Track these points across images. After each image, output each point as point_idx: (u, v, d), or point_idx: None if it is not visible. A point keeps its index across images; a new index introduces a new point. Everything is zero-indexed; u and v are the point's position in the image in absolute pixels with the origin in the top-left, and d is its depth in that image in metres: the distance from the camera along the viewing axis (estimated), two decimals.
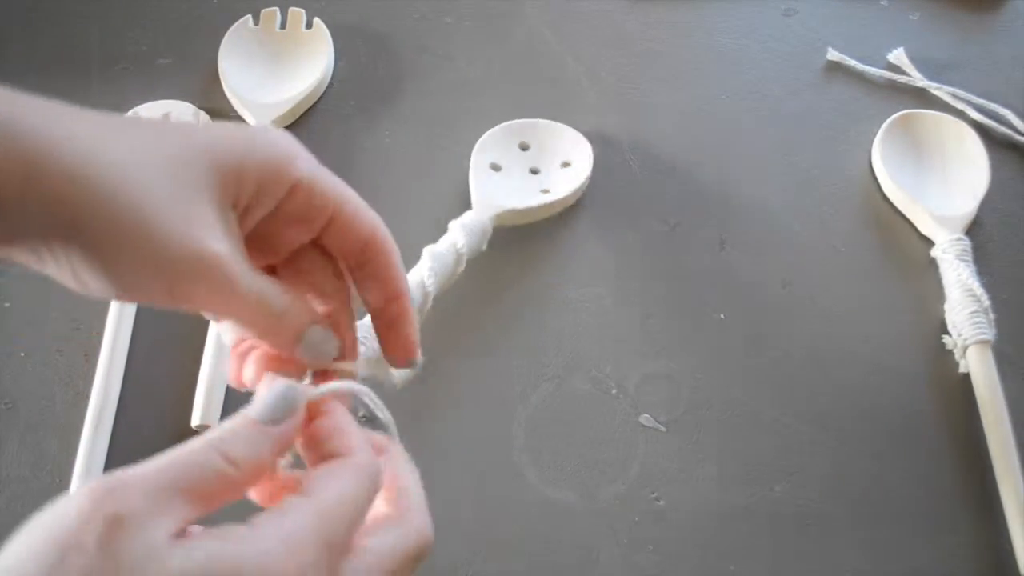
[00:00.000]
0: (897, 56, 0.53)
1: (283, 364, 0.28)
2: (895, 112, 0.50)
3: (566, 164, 0.49)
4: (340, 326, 0.29)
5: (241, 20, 0.53)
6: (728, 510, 0.40)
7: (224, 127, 0.27)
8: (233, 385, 0.29)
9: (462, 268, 0.44)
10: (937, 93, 0.52)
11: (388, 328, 0.30)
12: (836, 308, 0.45)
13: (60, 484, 0.40)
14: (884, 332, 0.45)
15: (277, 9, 0.53)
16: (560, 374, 0.44)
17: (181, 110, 0.50)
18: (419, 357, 0.30)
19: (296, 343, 0.27)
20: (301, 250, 0.29)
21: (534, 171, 0.49)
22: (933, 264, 0.46)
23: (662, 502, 0.41)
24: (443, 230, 0.46)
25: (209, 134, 0.26)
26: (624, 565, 0.39)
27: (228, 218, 0.26)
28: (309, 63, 0.52)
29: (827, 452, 0.42)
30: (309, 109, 0.52)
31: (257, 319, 0.26)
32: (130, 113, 0.50)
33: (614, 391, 0.43)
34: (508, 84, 0.53)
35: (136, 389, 0.43)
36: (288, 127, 0.51)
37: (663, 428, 0.42)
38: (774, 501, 0.41)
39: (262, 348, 0.28)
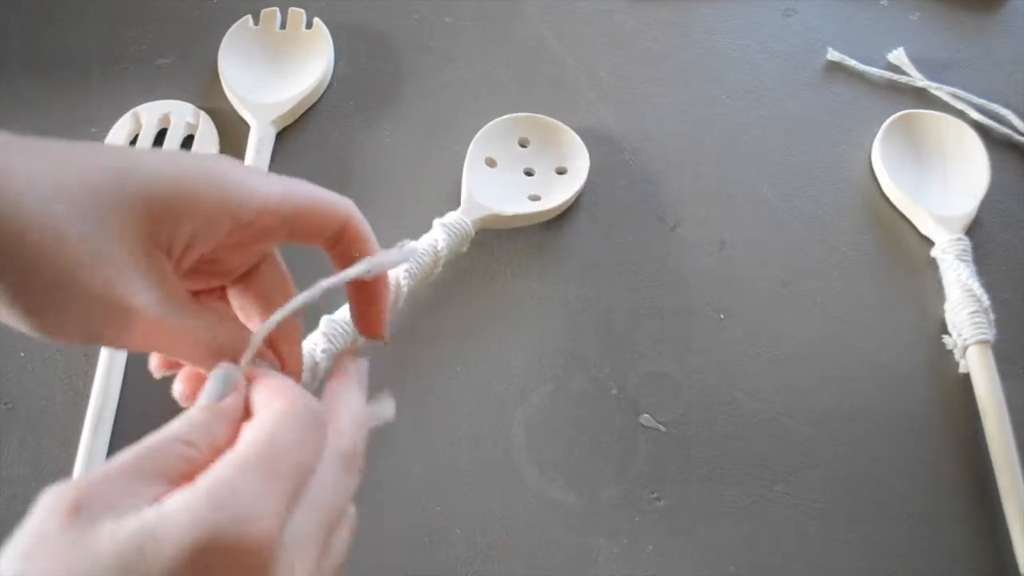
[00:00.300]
0: (897, 56, 0.53)
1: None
2: (895, 112, 0.50)
3: (561, 171, 0.48)
4: (287, 339, 0.29)
5: (241, 20, 0.53)
6: (728, 510, 0.40)
7: (162, 163, 0.25)
8: (153, 371, 0.29)
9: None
10: (937, 93, 0.52)
11: (364, 303, 0.30)
12: (836, 308, 0.45)
13: None
14: (884, 332, 0.45)
15: (277, 9, 0.53)
16: (560, 374, 0.44)
17: (181, 110, 0.50)
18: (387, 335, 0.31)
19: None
20: (253, 266, 0.29)
21: (528, 172, 0.48)
22: (933, 264, 0.46)
23: (662, 502, 0.41)
24: None
25: (144, 173, 0.24)
26: (624, 565, 0.39)
27: (157, 260, 0.25)
28: (309, 63, 0.52)
29: (827, 452, 0.42)
30: (309, 109, 0.52)
31: (191, 356, 0.26)
32: (129, 114, 0.50)
33: (614, 391, 0.43)
34: (508, 84, 0.53)
35: (136, 389, 0.43)
36: (288, 127, 0.51)
37: (663, 428, 0.42)
38: (774, 501, 0.41)
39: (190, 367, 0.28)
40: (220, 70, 0.52)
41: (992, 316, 0.43)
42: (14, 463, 0.41)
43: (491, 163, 0.48)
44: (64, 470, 0.41)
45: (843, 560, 0.39)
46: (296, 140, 0.51)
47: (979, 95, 0.51)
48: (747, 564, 0.39)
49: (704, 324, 0.45)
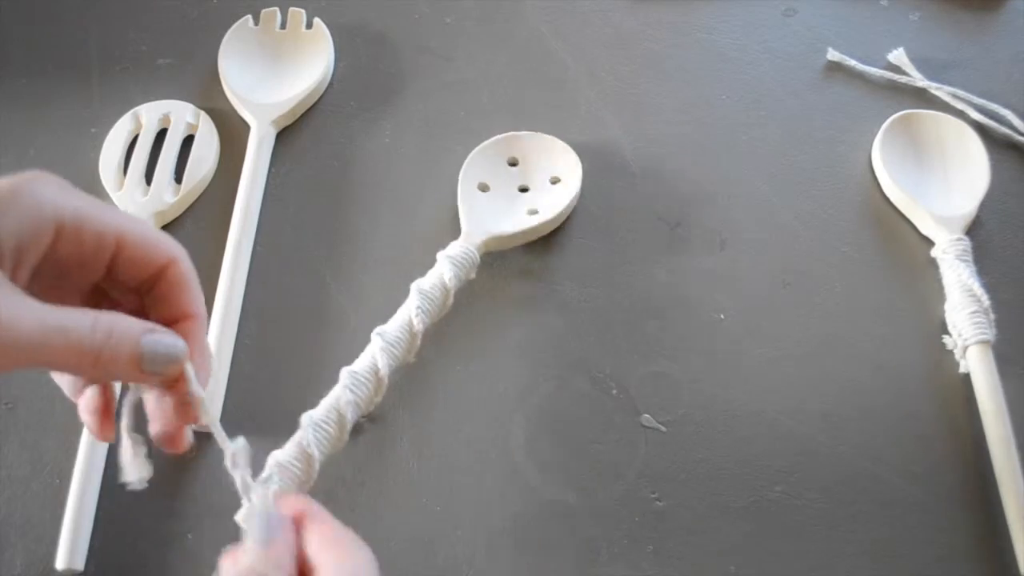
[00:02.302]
0: (897, 56, 0.53)
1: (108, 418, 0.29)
2: (895, 112, 0.50)
3: (556, 180, 0.48)
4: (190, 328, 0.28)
5: (241, 20, 0.53)
6: (728, 510, 0.40)
7: None
8: (99, 438, 0.30)
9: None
10: (937, 93, 0.52)
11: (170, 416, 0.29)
12: (836, 308, 0.45)
13: (60, 484, 0.40)
14: (884, 332, 0.45)
15: (277, 9, 0.53)
16: (560, 374, 0.44)
17: (181, 110, 0.50)
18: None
19: (137, 363, 0.26)
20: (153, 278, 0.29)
21: (523, 189, 0.48)
22: (933, 264, 0.46)
23: (662, 502, 0.41)
24: (443, 229, 0.46)
25: None
26: (624, 565, 0.39)
27: None
28: (309, 63, 0.52)
29: (827, 452, 0.42)
30: (309, 109, 0.52)
31: (81, 358, 0.25)
32: (129, 114, 0.50)
33: (614, 391, 0.43)
34: (508, 84, 0.53)
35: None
36: (288, 127, 0.51)
37: (663, 428, 0.42)
38: (774, 501, 0.41)
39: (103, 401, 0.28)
40: (220, 70, 0.52)
41: (992, 316, 0.43)
42: (14, 463, 0.41)
43: (484, 188, 0.47)
44: (64, 470, 0.41)
45: (843, 560, 0.39)
46: (296, 140, 0.51)
47: (979, 95, 0.51)
48: (747, 564, 0.39)
49: (704, 324, 0.45)
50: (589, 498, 0.41)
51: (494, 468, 0.41)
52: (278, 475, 0.36)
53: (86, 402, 0.29)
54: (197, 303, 0.29)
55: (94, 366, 0.25)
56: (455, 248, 0.44)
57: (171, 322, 0.28)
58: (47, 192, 0.25)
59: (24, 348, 0.23)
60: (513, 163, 0.49)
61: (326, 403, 0.39)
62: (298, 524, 0.27)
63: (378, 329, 0.41)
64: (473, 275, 0.44)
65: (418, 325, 0.41)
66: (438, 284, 0.42)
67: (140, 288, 0.28)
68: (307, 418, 0.38)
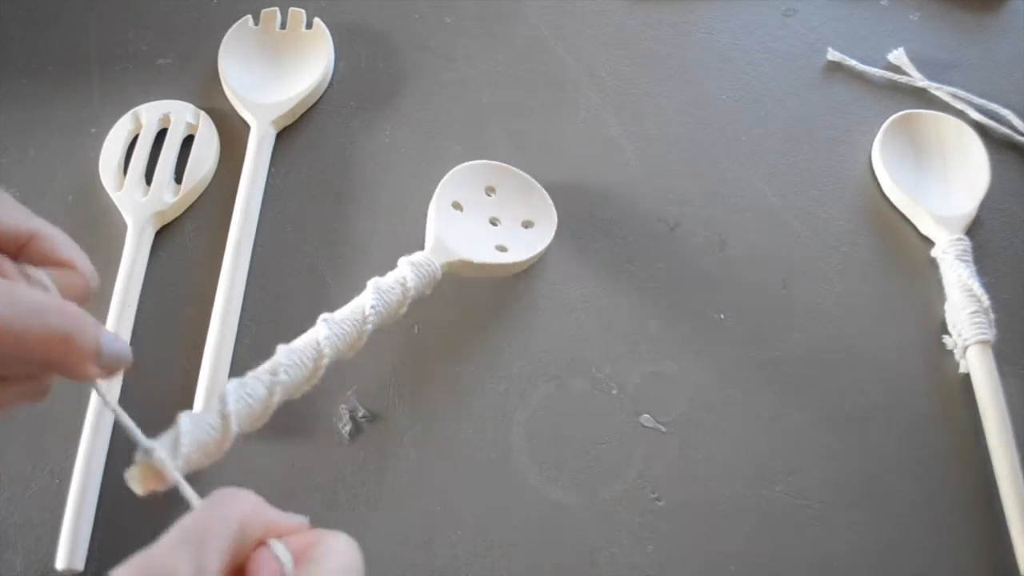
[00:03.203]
0: (897, 56, 0.53)
1: None
2: (895, 112, 0.50)
3: (528, 224, 0.47)
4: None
5: (241, 20, 0.53)
6: (728, 510, 0.40)
7: None
8: None
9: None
10: (937, 93, 0.52)
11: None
12: (836, 308, 0.46)
13: (60, 484, 0.40)
14: (884, 332, 0.45)
15: (277, 9, 0.53)
16: (560, 374, 0.44)
17: (181, 110, 0.50)
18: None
19: (97, 353, 0.27)
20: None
21: (494, 222, 0.46)
22: (933, 264, 0.46)
23: (662, 502, 0.41)
24: None
25: None
26: (624, 565, 0.39)
27: None
28: (309, 63, 0.52)
29: (827, 452, 0.42)
30: (309, 109, 0.52)
31: (53, 341, 0.25)
32: (129, 114, 0.50)
33: (614, 391, 0.43)
34: (508, 84, 0.53)
35: (136, 389, 0.43)
36: (288, 127, 0.51)
37: (663, 428, 0.42)
38: (774, 501, 0.41)
39: None
40: (220, 70, 0.52)
41: (992, 316, 0.43)
42: (15, 463, 0.41)
43: (457, 207, 0.46)
44: (64, 470, 0.41)
45: (843, 560, 0.39)
46: (296, 140, 0.51)
47: (979, 95, 0.51)
48: (747, 564, 0.39)
49: (704, 324, 0.45)
50: (589, 498, 0.41)
51: (494, 468, 0.41)
52: (189, 438, 0.32)
53: None
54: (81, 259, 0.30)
55: (63, 346, 0.26)
56: (419, 256, 0.42)
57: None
58: None
59: (4, 330, 0.24)
60: (490, 192, 0.47)
61: (256, 374, 0.35)
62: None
63: (325, 316, 0.38)
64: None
65: (371, 321, 0.38)
66: (397, 285, 0.40)
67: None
68: (232, 386, 0.34)
